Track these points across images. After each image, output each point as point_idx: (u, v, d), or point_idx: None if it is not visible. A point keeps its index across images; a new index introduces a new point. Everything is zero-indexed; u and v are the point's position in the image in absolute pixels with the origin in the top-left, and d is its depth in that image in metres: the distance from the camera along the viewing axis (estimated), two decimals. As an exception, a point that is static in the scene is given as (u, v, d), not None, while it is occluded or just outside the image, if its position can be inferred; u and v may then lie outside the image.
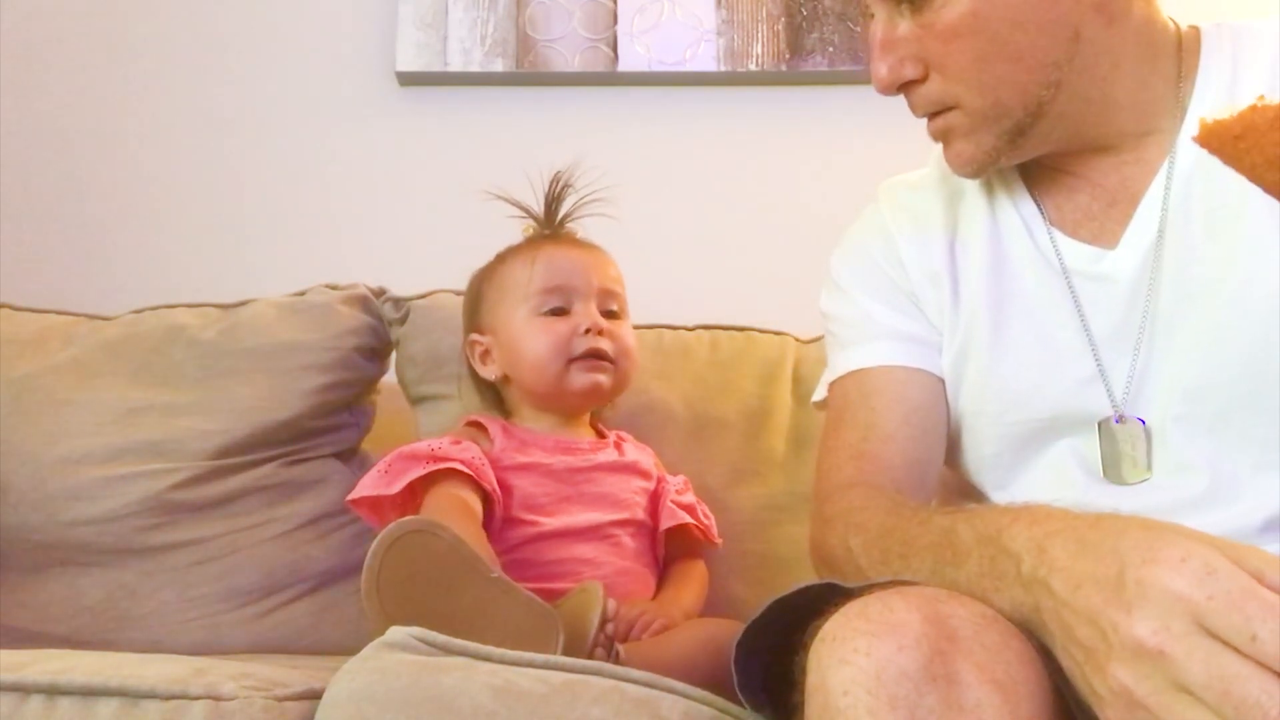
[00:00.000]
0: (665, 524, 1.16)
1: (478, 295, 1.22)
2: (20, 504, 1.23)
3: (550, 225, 1.22)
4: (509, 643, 0.79)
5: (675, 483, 1.21)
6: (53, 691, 0.80)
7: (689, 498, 1.21)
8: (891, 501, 0.83)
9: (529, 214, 1.23)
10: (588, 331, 1.13)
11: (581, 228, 1.24)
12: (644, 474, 1.19)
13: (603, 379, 1.14)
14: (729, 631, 1.00)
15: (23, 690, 0.80)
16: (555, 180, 1.22)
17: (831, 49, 1.73)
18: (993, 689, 0.54)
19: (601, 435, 1.22)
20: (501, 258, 1.22)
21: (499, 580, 0.89)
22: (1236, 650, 0.49)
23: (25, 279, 1.65)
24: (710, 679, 0.83)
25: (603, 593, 0.92)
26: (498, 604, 0.88)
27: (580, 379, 1.13)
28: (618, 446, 1.19)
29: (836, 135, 1.72)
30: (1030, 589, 0.59)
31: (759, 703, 0.69)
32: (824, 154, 1.72)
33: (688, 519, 1.17)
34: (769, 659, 0.67)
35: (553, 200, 1.22)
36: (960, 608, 0.58)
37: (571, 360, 1.13)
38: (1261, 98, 0.59)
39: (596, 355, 1.13)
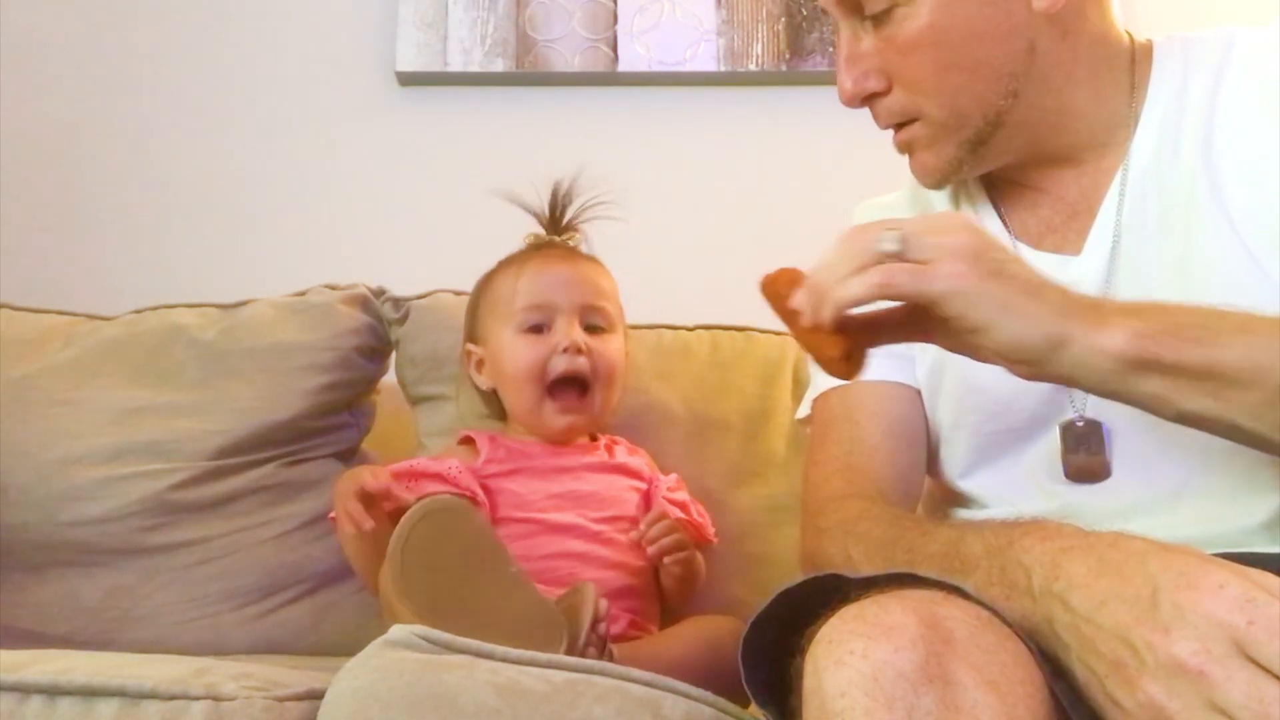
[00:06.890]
0: None
1: (474, 304, 1.24)
2: (20, 504, 1.23)
3: (554, 230, 1.24)
4: (514, 639, 0.80)
5: (668, 481, 1.22)
6: (53, 691, 0.80)
7: (681, 495, 1.22)
8: (890, 513, 0.84)
9: (534, 216, 1.24)
10: (565, 350, 1.14)
11: (584, 231, 1.25)
12: (635, 474, 1.20)
13: (578, 420, 1.16)
14: (729, 631, 1.01)
15: (23, 690, 0.80)
16: (557, 188, 1.23)
17: (831, 49, 1.73)
18: (989, 690, 0.55)
19: (594, 439, 1.23)
20: (496, 267, 1.23)
21: (516, 575, 0.91)
22: (1274, 676, 0.50)
23: (25, 279, 1.65)
24: (710, 678, 0.83)
25: (594, 593, 0.93)
26: (511, 598, 0.89)
27: (555, 420, 1.16)
28: (608, 450, 1.21)
29: (836, 135, 1.70)
30: (1040, 601, 0.60)
31: (766, 700, 0.69)
32: (824, 154, 1.71)
33: (679, 514, 1.18)
34: (772, 659, 0.67)
35: (556, 207, 1.23)
36: (956, 610, 0.58)
37: (548, 389, 1.15)
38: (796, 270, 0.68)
39: (573, 378, 1.14)
